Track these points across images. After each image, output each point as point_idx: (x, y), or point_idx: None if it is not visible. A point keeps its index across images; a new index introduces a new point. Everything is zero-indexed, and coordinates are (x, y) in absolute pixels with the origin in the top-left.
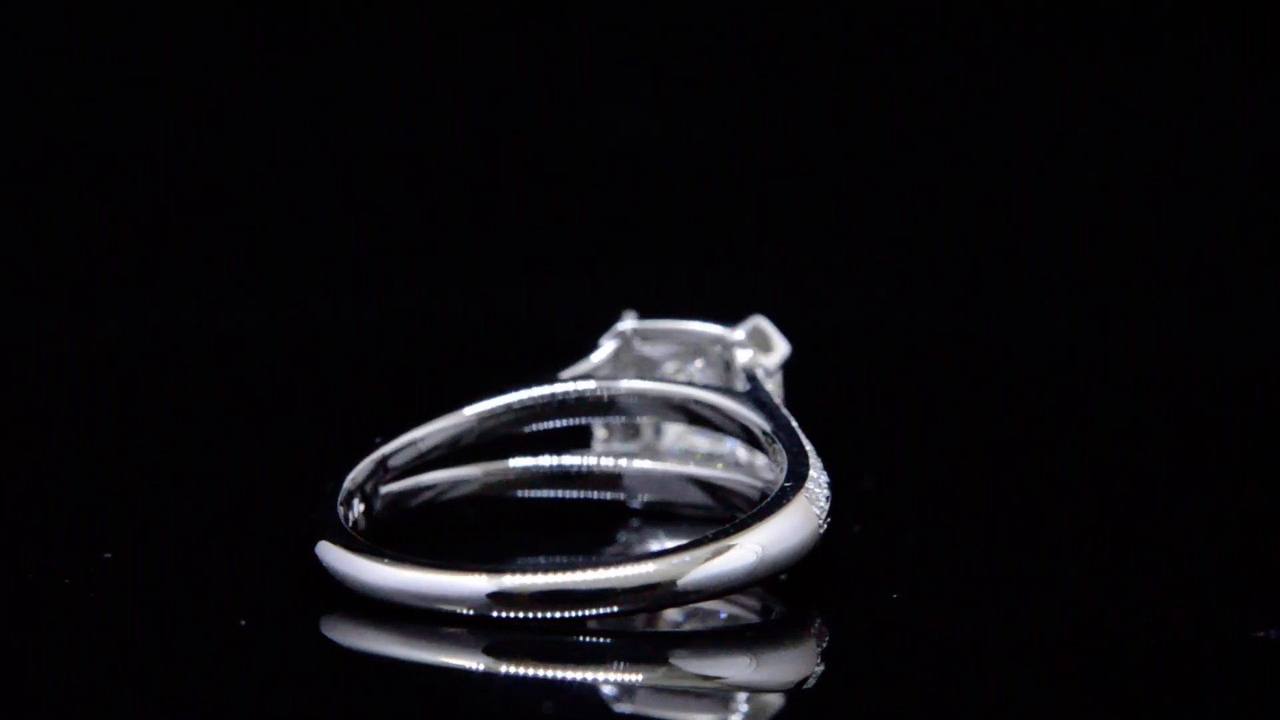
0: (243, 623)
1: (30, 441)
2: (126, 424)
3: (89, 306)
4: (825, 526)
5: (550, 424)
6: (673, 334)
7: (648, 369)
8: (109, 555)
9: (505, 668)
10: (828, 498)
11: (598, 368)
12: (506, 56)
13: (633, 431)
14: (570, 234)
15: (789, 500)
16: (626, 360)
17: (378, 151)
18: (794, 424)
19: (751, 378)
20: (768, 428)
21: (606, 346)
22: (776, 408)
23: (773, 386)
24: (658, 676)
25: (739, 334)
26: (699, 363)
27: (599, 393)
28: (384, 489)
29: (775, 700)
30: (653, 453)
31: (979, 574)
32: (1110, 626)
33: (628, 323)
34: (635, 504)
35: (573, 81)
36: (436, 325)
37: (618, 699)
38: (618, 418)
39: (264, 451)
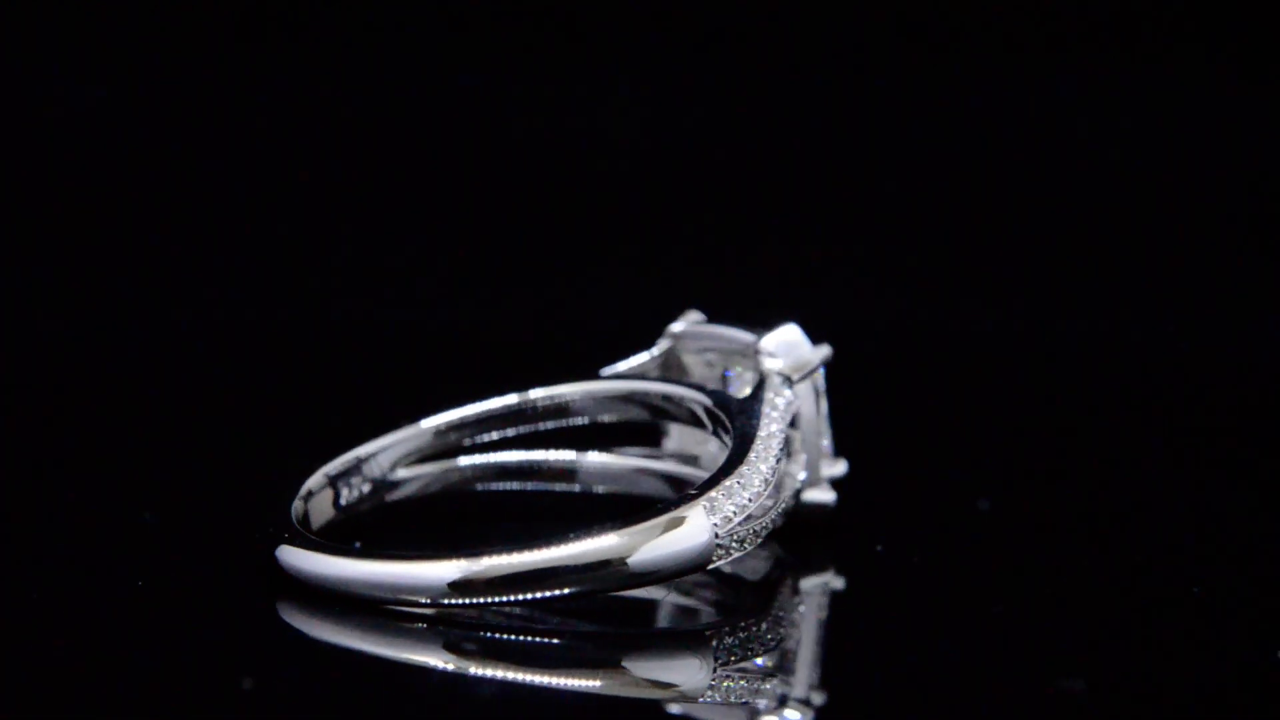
0: (140, 583)
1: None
2: (99, 422)
3: (75, 304)
4: (731, 542)
5: (509, 432)
6: (712, 338)
7: (700, 371)
8: (149, 515)
9: (454, 668)
10: (739, 510)
11: (637, 367)
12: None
13: (699, 438)
14: (656, 228)
15: (675, 508)
16: (683, 362)
17: (396, 156)
18: (760, 434)
19: (760, 383)
20: (726, 424)
21: (658, 346)
22: (755, 414)
23: (791, 395)
24: (610, 681)
25: (763, 341)
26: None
27: (554, 399)
28: (346, 491)
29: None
30: (712, 460)
31: (957, 598)
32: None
33: (679, 324)
34: None
35: (601, 79)
36: (475, 324)
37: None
38: (580, 419)
39: (274, 448)
